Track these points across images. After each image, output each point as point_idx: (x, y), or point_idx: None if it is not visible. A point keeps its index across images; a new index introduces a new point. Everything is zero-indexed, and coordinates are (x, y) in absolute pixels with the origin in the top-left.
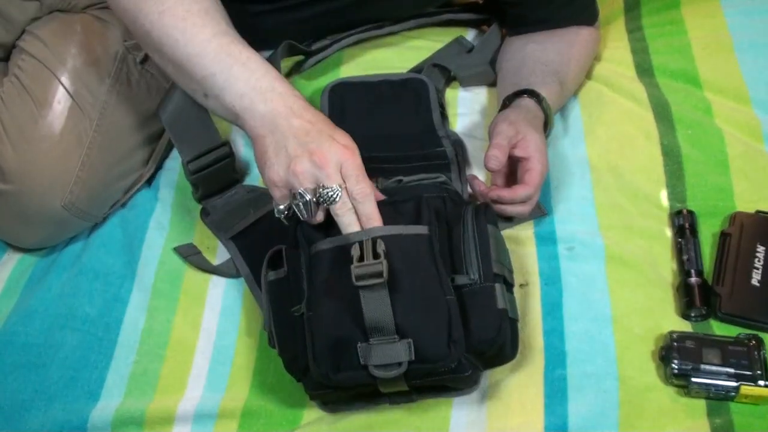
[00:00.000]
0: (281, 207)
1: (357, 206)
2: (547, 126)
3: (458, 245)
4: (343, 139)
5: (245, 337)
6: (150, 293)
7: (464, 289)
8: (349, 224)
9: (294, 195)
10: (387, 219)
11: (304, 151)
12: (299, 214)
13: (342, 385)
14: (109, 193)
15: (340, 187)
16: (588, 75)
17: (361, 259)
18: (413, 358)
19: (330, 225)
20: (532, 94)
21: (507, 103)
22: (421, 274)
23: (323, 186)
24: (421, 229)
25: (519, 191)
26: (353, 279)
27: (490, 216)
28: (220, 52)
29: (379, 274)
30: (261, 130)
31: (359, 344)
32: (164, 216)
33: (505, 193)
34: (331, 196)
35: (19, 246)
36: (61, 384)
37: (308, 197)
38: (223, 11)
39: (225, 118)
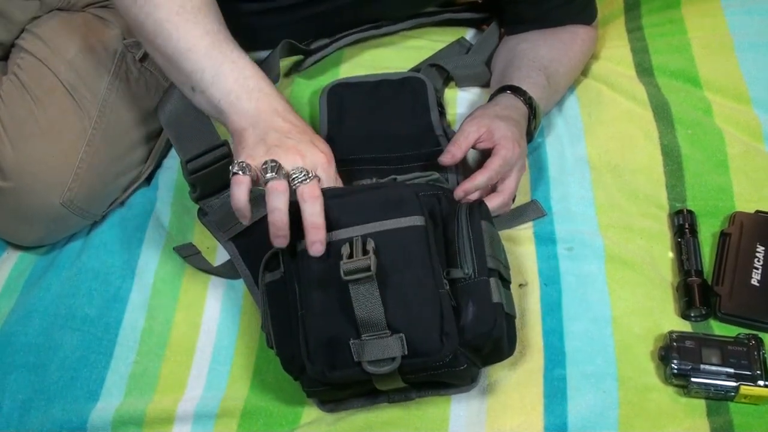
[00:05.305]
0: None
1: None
2: (532, 120)
3: (453, 241)
4: (322, 145)
5: (245, 337)
6: (150, 293)
7: (459, 283)
8: (312, 214)
9: (265, 168)
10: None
11: (284, 144)
12: (263, 179)
13: (337, 383)
14: (107, 191)
15: (315, 175)
16: (587, 74)
17: (350, 256)
18: (406, 352)
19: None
20: (513, 89)
21: (490, 101)
22: (414, 268)
23: (298, 168)
24: (417, 220)
25: (477, 177)
26: (342, 274)
27: (484, 212)
28: (211, 49)
29: (367, 268)
30: (243, 123)
31: (352, 341)
32: (164, 215)
33: (466, 183)
34: (303, 176)
35: (18, 244)
36: (60, 384)
37: (279, 171)
38: (217, 10)
39: (209, 114)
